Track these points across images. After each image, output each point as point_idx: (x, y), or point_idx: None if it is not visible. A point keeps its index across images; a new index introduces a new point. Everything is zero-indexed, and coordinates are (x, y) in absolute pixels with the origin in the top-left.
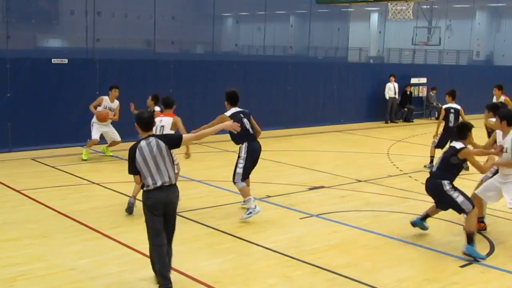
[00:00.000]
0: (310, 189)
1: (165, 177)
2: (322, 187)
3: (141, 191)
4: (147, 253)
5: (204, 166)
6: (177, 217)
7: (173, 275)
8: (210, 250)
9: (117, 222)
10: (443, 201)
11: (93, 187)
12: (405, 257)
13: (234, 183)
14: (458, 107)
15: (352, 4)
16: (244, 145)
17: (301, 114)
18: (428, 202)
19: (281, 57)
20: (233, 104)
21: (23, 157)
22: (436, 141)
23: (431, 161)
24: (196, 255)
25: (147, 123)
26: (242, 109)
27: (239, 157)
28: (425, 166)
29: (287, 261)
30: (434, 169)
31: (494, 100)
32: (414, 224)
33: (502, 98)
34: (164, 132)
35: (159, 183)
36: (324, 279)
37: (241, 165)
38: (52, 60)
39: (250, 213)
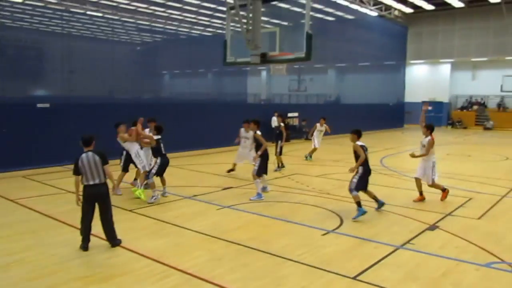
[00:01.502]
0: (223, 189)
1: (95, 179)
2: (231, 187)
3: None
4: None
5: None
6: (131, 212)
7: (127, 253)
8: (155, 235)
9: None
10: None
11: (70, 195)
12: (287, 231)
13: (148, 178)
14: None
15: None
16: (158, 159)
17: (217, 138)
18: (301, 195)
19: (203, 100)
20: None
21: (15, 176)
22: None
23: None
24: (144, 239)
25: (86, 141)
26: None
27: (154, 164)
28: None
29: (209, 239)
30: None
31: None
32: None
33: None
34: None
35: (91, 182)
36: (234, 249)
37: (154, 170)
38: (37, 104)
39: (155, 198)
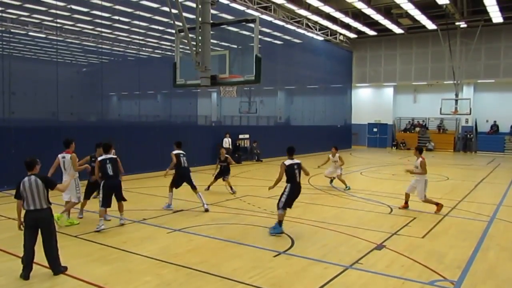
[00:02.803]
0: (174, 212)
1: (36, 204)
2: (182, 210)
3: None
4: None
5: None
6: (76, 238)
7: (71, 280)
8: (101, 261)
9: None
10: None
11: (11, 221)
12: (238, 253)
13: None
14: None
15: (198, 87)
16: (103, 182)
17: (168, 160)
18: (252, 216)
19: (151, 122)
20: (106, 152)
21: None
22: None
23: None
24: (90, 265)
25: (28, 165)
26: (110, 156)
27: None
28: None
29: (158, 264)
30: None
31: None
32: None
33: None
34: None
35: (31, 207)
36: (184, 273)
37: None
38: None
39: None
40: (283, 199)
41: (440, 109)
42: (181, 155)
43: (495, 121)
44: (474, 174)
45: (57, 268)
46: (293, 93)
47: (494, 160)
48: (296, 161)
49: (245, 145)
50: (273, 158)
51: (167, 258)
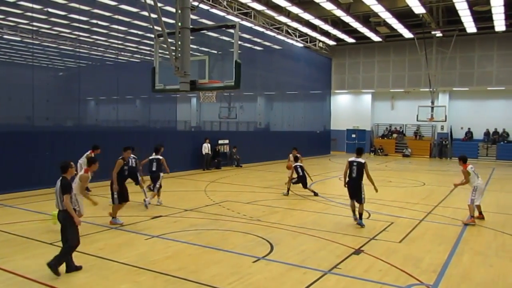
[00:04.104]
0: (152, 218)
1: (57, 204)
2: (161, 216)
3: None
4: (27, 275)
5: None
6: (51, 245)
7: None
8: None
9: (2, 255)
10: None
11: None
12: (217, 259)
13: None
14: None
15: (178, 92)
16: None
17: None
18: (232, 222)
19: (130, 127)
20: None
21: None
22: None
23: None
24: (66, 273)
25: (61, 168)
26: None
27: None
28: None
29: (136, 271)
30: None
31: None
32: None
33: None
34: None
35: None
36: (162, 280)
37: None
38: None
39: None
40: None
41: (417, 116)
42: (131, 157)
43: (469, 128)
44: (450, 180)
45: (53, 264)
46: (273, 99)
47: None
48: (358, 160)
49: (225, 151)
50: (253, 163)
51: (144, 265)
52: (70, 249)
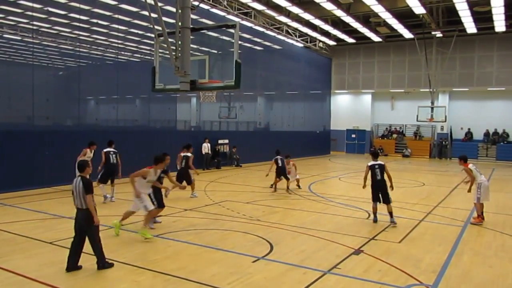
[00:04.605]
0: (152, 218)
1: (77, 203)
2: (160, 215)
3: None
4: (26, 274)
5: None
6: (51, 244)
7: None
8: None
9: (1, 254)
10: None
11: None
12: (217, 259)
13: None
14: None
15: (177, 92)
16: None
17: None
18: (231, 221)
19: (129, 127)
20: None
21: None
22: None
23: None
24: (65, 273)
25: (78, 167)
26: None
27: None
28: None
29: (135, 270)
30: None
31: None
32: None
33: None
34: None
35: (75, 205)
36: (162, 280)
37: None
38: None
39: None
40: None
41: (417, 116)
42: (111, 152)
43: (469, 129)
44: (449, 180)
45: (101, 265)
46: (272, 99)
47: None
48: (378, 162)
49: (225, 150)
50: (253, 163)
51: (144, 265)
52: (100, 245)
